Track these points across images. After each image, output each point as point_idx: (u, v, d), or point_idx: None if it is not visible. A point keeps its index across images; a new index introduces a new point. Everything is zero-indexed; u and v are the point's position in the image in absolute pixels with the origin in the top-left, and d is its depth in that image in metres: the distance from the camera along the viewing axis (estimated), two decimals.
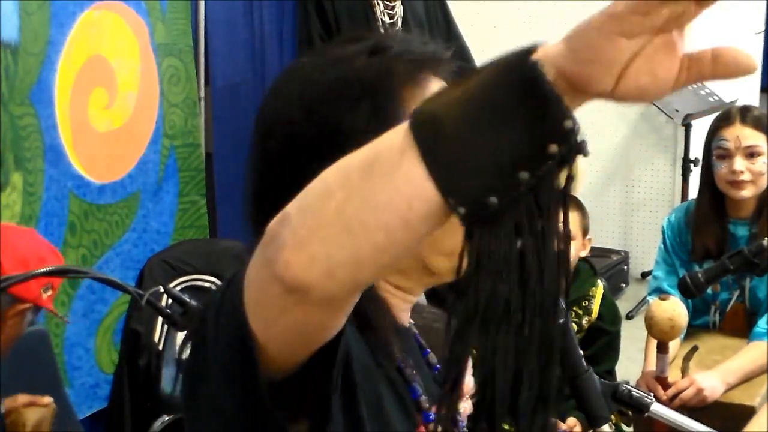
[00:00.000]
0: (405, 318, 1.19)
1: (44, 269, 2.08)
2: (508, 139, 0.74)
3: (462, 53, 3.91)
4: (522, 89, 0.74)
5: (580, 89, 0.75)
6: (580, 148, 0.75)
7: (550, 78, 0.74)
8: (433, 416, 1.12)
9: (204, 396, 0.96)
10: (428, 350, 1.22)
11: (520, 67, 0.74)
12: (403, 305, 1.18)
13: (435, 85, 1.10)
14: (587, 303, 3.05)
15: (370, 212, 0.77)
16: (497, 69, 0.76)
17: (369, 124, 1.05)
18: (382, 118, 1.05)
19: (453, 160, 0.75)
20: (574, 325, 2.97)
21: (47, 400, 2.31)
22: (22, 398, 2.28)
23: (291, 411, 0.92)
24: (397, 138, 0.77)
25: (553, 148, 0.74)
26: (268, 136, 1.12)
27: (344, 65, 1.09)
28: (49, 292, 2.30)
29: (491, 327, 0.77)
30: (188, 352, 1.01)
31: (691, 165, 4.71)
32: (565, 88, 0.75)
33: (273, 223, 0.81)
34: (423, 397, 1.13)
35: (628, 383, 1.48)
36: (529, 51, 0.75)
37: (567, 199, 0.77)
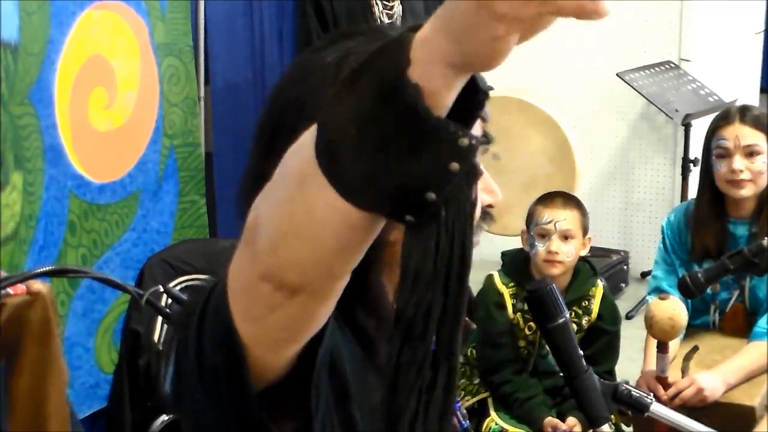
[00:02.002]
0: None
1: (44, 269, 2.08)
2: (409, 164, 0.76)
3: None
4: (409, 121, 0.75)
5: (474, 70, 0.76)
6: (477, 150, 0.77)
7: (439, 80, 0.74)
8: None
9: (191, 401, 0.98)
10: None
11: (399, 96, 0.74)
12: None
13: None
14: (587, 303, 3.05)
15: (313, 224, 0.80)
16: (377, 83, 0.76)
17: None
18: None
19: (360, 185, 0.77)
20: (574, 325, 2.96)
21: (36, 287, 2.22)
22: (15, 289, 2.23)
23: (276, 412, 0.93)
24: (308, 157, 0.78)
25: (455, 166, 0.76)
26: (288, 137, 1.09)
27: None
28: None
29: (411, 338, 0.80)
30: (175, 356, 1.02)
31: (691, 165, 4.71)
32: (458, 72, 0.75)
33: (248, 227, 0.84)
34: None
35: (628, 383, 1.48)
36: (401, 64, 0.74)
37: (474, 209, 0.80)
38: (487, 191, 1.14)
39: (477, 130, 1.07)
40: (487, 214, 1.15)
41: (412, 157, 0.75)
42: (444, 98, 0.76)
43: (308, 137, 0.79)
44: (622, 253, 5.25)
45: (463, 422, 1.20)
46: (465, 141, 0.76)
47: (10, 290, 2.18)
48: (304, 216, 0.80)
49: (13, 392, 2.20)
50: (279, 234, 0.81)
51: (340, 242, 0.80)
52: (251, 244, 0.84)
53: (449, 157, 0.75)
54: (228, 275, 0.88)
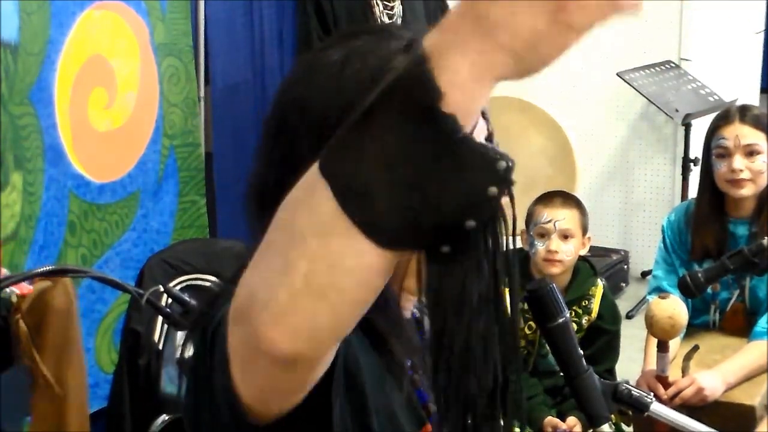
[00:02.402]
0: (408, 307, 1.19)
1: (44, 269, 2.08)
2: (446, 196, 0.74)
3: None
4: (446, 151, 0.73)
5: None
6: (512, 172, 0.76)
7: (470, 105, 0.72)
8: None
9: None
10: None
11: (435, 129, 0.73)
12: (408, 306, 1.18)
13: None
14: (587, 302, 3.05)
15: (340, 276, 0.76)
16: (405, 119, 0.73)
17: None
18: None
19: (397, 227, 0.74)
20: (574, 325, 2.96)
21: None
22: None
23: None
24: (329, 211, 0.75)
25: (493, 190, 0.75)
26: (293, 133, 1.06)
27: (377, 64, 1.03)
28: None
29: (453, 368, 0.80)
30: (187, 352, 1.01)
31: (691, 164, 4.71)
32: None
33: (239, 303, 0.80)
34: (432, 403, 1.13)
35: (628, 383, 1.48)
36: (432, 95, 0.72)
37: (514, 238, 0.79)
38: None
39: (482, 130, 1.07)
40: None
41: (449, 188, 0.73)
42: (475, 116, 0.75)
43: (308, 191, 0.76)
44: (622, 253, 5.25)
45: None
46: (502, 164, 0.75)
47: (15, 289, 2.19)
48: (326, 271, 0.75)
49: (35, 378, 2.22)
50: (289, 300, 0.76)
51: (365, 291, 0.77)
52: (245, 322, 0.79)
53: (488, 182, 0.74)
54: (227, 343, 0.85)
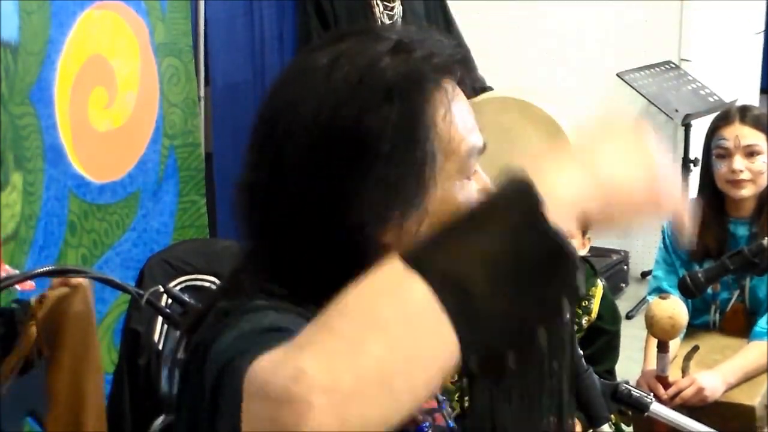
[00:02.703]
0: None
1: (44, 269, 2.08)
2: (531, 301, 0.78)
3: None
4: (548, 258, 0.78)
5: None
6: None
7: (570, 222, 0.79)
8: (427, 426, 1.11)
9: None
10: None
11: (544, 233, 0.77)
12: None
13: (451, 85, 1.08)
14: (587, 303, 3.05)
15: (415, 367, 0.75)
16: (517, 225, 0.78)
17: (397, 129, 1.03)
18: (409, 124, 1.03)
19: (481, 323, 0.76)
20: (574, 325, 2.97)
21: (75, 281, 2.25)
22: (55, 281, 2.25)
23: None
24: (422, 294, 0.75)
25: (566, 302, 0.79)
26: (284, 135, 1.06)
27: (369, 66, 1.05)
28: None
29: None
30: (183, 351, 1.00)
31: (691, 165, 4.70)
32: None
33: (285, 382, 0.72)
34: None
35: (628, 383, 1.48)
36: (542, 204, 0.78)
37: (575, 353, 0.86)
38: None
39: (477, 137, 1.08)
40: None
41: (536, 293, 0.77)
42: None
43: (393, 282, 0.76)
44: (622, 253, 5.25)
45: (450, 422, 1.20)
46: (579, 279, 0.80)
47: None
48: (402, 360, 0.73)
49: (52, 385, 2.21)
50: (355, 385, 0.71)
51: (429, 386, 0.76)
52: (288, 405, 0.71)
53: (564, 295, 0.79)
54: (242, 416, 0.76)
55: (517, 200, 0.78)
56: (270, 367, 0.73)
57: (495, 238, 0.77)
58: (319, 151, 1.03)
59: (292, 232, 0.90)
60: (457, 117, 1.07)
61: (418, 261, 0.76)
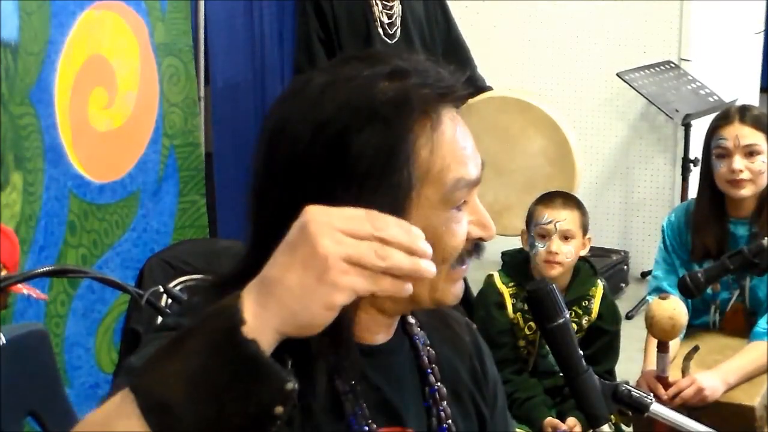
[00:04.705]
0: (387, 333, 1.19)
1: (44, 269, 2.08)
2: (237, 410, 0.85)
3: (461, 53, 3.91)
4: (243, 368, 0.85)
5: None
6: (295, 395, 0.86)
7: (268, 342, 0.86)
8: None
9: None
10: (430, 369, 1.22)
11: (235, 347, 0.85)
12: (386, 322, 1.18)
13: (447, 115, 1.10)
14: (587, 303, 3.05)
15: None
16: (211, 342, 0.86)
17: (377, 151, 1.05)
18: (389, 148, 1.05)
19: (182, 429, 0.85)
20: (574, 325, 2.96)
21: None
22: None
23: None
24: (133, 416, 0.86)
25: (279, 409, 0.85)
26: (274, 147, 1.10)
27: (360, 88, 1.07)
28: None
29: None
30: None
31: (691, 165, 4.71)
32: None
33: None
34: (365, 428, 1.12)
35: (628, 383, 1.48)
36: (238, 320, 0.85)
37: None
38: (479, 225, 1.13)
39: (469, 169, 1.09)
40: (478, 247, 1.15)
41: (240, 402, 0.84)
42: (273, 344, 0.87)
43: (120, 404, 0.87)
44: (622, 253, 5.25)
45: (443, 426, 1.21)
46: (290, 385, 0.85)
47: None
48: None
49: None
50: None
51: None
52: None
53: (275, 402, 0.85)
54: None
55: (218, 320, 0.86)
56: None
57: (195, 357, 0.85)
58: (301, 166, 1.06)
59: (273, 240, 0.91)
60: (444, 147, 1.08)
61: (134, 385, 0.87)
